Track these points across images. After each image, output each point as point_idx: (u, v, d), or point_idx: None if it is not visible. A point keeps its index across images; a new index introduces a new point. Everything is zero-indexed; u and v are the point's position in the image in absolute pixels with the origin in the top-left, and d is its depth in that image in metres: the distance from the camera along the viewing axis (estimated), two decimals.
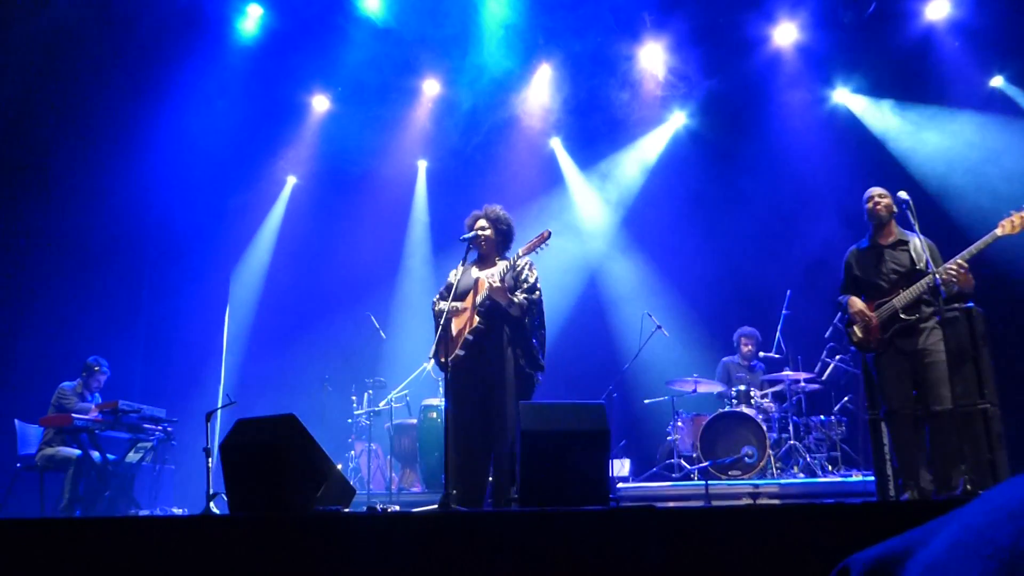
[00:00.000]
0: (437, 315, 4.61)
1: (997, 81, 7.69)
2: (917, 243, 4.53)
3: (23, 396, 6.76)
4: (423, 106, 9.01)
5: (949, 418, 4.24)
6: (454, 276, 4.73)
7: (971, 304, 4.65)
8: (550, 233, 4.49)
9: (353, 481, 6.63)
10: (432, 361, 4.61)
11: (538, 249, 4.47)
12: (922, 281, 4.38)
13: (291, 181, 9.59)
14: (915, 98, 7.84)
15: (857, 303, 4.63)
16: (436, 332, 4.58)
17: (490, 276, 4.47)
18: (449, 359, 4.29)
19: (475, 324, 4.42)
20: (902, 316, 4.44)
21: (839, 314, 6.86)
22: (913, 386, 4.44)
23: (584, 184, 9.23)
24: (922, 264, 4.43)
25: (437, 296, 4.77)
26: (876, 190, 4.75)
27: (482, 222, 4.70)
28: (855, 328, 4.62)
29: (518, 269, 4.55)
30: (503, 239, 4.73)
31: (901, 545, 0.57)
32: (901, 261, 4.55)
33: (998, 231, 4.28)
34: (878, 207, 4.66)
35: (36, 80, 7.25)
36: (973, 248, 4.30)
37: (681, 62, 8.31)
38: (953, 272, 4.26)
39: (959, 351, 4.48)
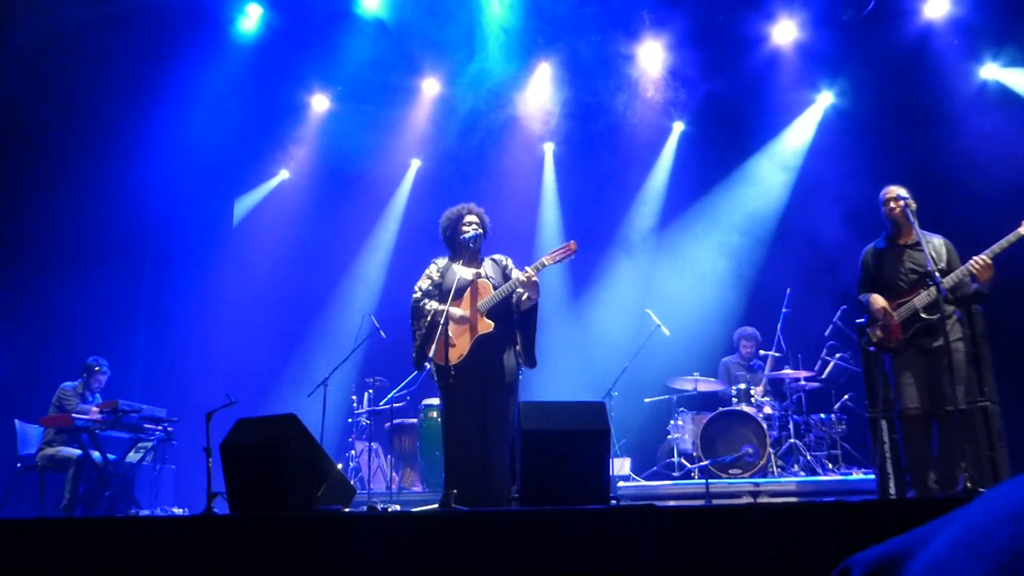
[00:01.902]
0: (436, 314, 4.48)
1: (994, 70, 7.67)
2: (936, 243, 4.48)
3: (23, 396, 6.77)
4: (423, 106, 9.01)
5: (957, 417, 4.20)
6: (436, 271, 4.70)
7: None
8: (576, 247, 4.49)
9: (353, 481, 6.63)
10: (431, 363, 4.51)
11: (566, 260, 4.50)
12: (944, 280, 4.27)
13: (283, 175, 9.57)
14: (915, 94, 7.82)
15: (880, 300, 4.50)
16: (422, 331, 4.51)
17: (494, 274, 4.53)
18: (453, 361, 4.27)
19: (486, 326, 4.41)
20: (923, 316, 4.38)
21: (840, 310, 6.86)
22: (928, 385, 4.39)
23: (580, 185, 9.20)
24: (942, 264, 4.37)
25: (420, 293, 4.64)
26: (893, 191, 4.63)
27: (473, 218, 4.71)
28: (876, 329, 4.53)
29: (504, 266, 4.65)
30: (485, 236, 4.79)
31: (902, 545, 0.57)
32: (919, 261, 4.44)
33: (1021, 230, 4.23)
34: (895, 211, 4.56)
35: (35, 78, 7.24)
36: (996, 247, 4.24)
37: (680, 60, 8.30)
38: (979, 267, 4.20)
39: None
